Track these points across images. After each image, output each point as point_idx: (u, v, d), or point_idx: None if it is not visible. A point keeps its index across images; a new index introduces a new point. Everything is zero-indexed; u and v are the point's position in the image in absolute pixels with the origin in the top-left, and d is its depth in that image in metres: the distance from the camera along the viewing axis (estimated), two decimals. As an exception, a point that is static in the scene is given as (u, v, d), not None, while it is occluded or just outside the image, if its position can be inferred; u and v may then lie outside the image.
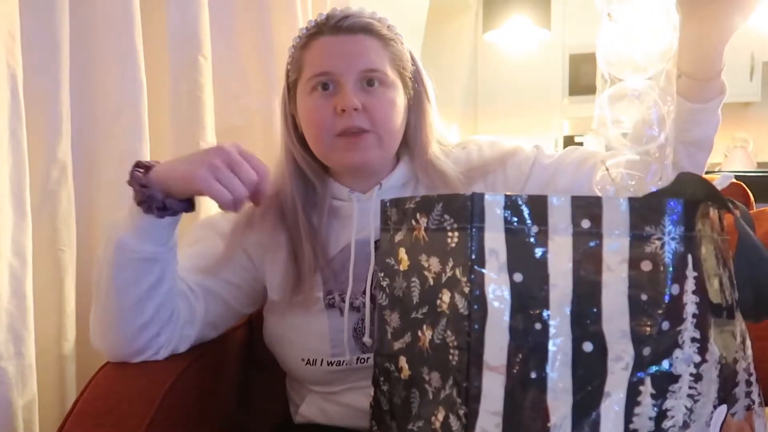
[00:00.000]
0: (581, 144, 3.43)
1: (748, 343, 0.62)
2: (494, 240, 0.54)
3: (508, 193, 0.55)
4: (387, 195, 0.84)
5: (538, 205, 0.55)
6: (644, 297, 0.53)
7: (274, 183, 0.87)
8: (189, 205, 0.75)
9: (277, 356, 0.92)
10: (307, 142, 0.88)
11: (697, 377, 0.53)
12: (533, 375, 0.52)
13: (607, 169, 0.62)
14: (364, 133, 0.83)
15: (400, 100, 0.87)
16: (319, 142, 0.85)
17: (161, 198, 0.72)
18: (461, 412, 0.54)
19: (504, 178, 0.89)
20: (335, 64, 0.82)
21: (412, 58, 0.90)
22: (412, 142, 0.89)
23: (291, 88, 0.89)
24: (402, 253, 0.62)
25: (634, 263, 0.53)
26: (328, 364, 0.85)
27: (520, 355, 0.53)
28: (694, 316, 0.54)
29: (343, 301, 0.85)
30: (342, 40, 0.84)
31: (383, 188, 0.88)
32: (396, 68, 0.87)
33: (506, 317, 0.53)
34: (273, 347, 0.92)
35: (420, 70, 0.91)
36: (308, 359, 0.86)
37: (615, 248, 0.54)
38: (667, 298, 0.53)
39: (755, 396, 0.61)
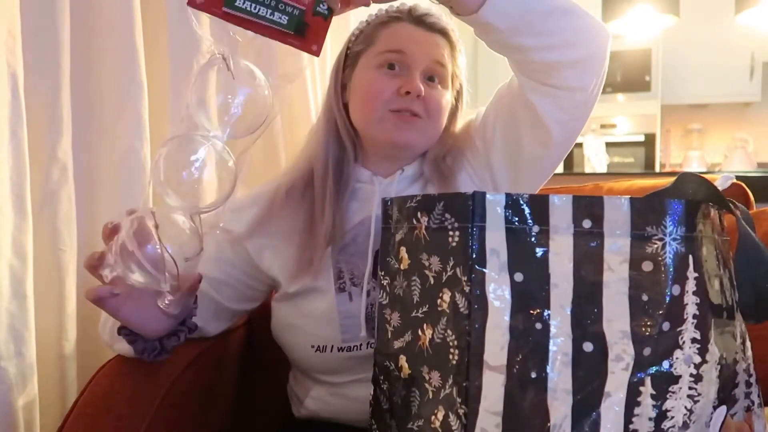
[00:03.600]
0: (581, 144, 3.44)
1: (748, 344, 0.62)
2: (495, 239, 0.54)
3: (509, 192, 0.55)
4: (404, 183, 0.89)
5: (540, 204, 0.55)
6: (645, 297, 0.53)
7: (304, 159, 0.91)
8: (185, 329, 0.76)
9: (285, 346, 0.92)
10: (349, 113, 0.90)
11: (697, 378, 0.53)
12: (533, 375, 0.52)
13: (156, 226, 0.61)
14: (416, 117, 0.85)
15: (448, 103, 0.90)
16: (371, 112, 0.86)
17: (158, 346, 0.74)
18: (461, 411, 0.54)
19: (473, 154, 0.91)
20: (411, 48, 0.86)
21: (463, 77, 0.94)
22: (441, 142, 0.91)
23: (352, 58, 0.91)
24: (403, 252, 0.62)
25: (634, 263, 0.53)
26: (339, 350, 0.85)
27: (521, 355, 0.53)
28: (694, 316, 0.54)
29: (354, 285, 0.85)
30: (420, 32, 0.87)
31: (405, 174, 0.90)
32: (453, 75, 0.91)
33: (507, 317, 0.53)
34: (281, 337, 0.92)
35: (464, 83, 0.94)
36: (318, 346, 0.86)
37: (616, 248, 0.54)
38: (667, 299, 0.53)
39: (755, 397, 0.61)
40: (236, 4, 0.61)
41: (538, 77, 0.77)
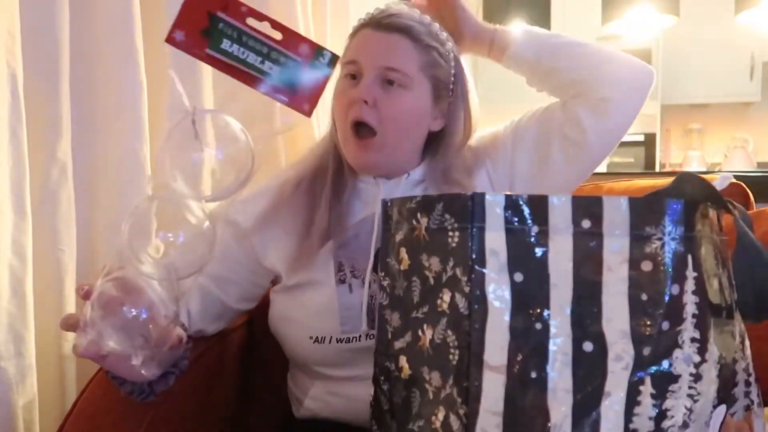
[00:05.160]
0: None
1: (747, 343, 0.62)
2: (495, 240, 0.54)
3: (508, 193, 0.55)
4: (409, 187, 0.89)
5: (539, 205, 0.55)
6: (644, 297, 0.53)
7: (317, 152, 0.93)
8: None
9: (282, 338, 0.92)
10: None
11: (697, 377, 0.53)
12: (533, 375, 0.52)
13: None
14: (370, 137, 0.84)
15: (420, 104, 0.87)
16: (340, 128, 0.87)
17: (146, 389, 0.72)
18: (461, 411, 0.54)
19: (493, 165, 0.92)
20: (362, 55, 0.86)
21: (457, 68, 0.91)
22: (436, 146, 0.91)
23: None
24: (403, 253, 0.62)
25: (634, 263, 0.53)
26: (338, 341, 0.85)
27: (521, 355, 0.53)
28: (693, 316, 0.54)
29: (354, 277, 0.86)
30: (378, 35, 0.86)
31: (410, 178, 0.90)
32: (427, 74, 0.86)
33: (507, 317, 0.53)
34: (279, 330, 0.92)
35: (463, 79, 0.92)
36: (316, 337, 0.86)
37: (615, 248, 0.54)
38: (667, 299, 0.53)
39: (754, 396, 0.61)
40: (222, 46, 0.54)
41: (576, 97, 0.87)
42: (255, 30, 0.54)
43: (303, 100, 0.56)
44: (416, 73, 0.85)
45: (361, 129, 0.84)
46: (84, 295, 0.61)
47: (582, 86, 0.87)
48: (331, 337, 0.85)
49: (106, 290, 0.59)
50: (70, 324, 0.63)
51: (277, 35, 0.55)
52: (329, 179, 0.89)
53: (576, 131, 0.87)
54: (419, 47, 0.86)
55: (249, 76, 0.55)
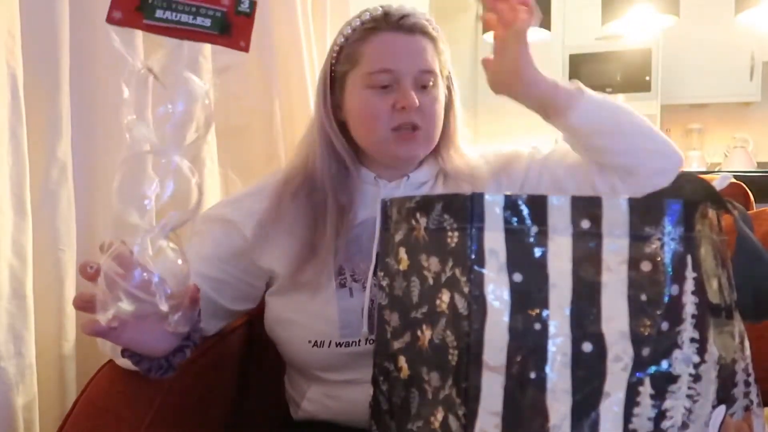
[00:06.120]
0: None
1: (747, 343, 0.62)
2: (494, 240, 0.54)
3: (508, 193, 0.55)
4: (411, 188, 0.90)
5: (538, 205, 0.55)
6: (644, 297, 0.53)
7: (303, 163, 0.91)
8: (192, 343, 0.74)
9: (280, 342, 0.91)
10: (343, 128, 0.90)
11: (696, 378, 0.53)
12: (533, 375, 0.52)
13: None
14: (416, 130, 0.86)
15: (442, 99, 0.90)
16: (372, 134, 0.87)
17: (164, 363, 0.72)
18: (460, 412, 0.54)
19: (509, 180, 0.92)
20: (397, 63, 0.85)
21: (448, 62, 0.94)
22: (442, 139, 0.92)
23: (339, 79, 0.90)
24: (402, 253, 0.62)
25: (633, 264, 0.53)
26: (337, 346, 0.85)
27: (520, 356, 0.53)
28: (693, 316, 0.54)
29: (355, 281, 0.85)
30: (403, 39, 0.86)
31: (410, 180, 0.91)
32: (441, 69, 0.90)
33: (506, 317, 0.53)
34: (276, 332, 0.91)
35: (451, 71, 0.94)
36: (315, 341, 0.85)
37: (615, 249, 0.54)
38: (666, 299, 0.53)
39: (753, 396, 0.61)
40: (156, 15, 0.61)
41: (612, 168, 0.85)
42: None
43: (238, 40, 0.64)
44: (438, 70, 0.88)
45: (404, 127, 0.85)
46: (93, 274, 0.61)
47: (630, 174, 0.84)
48: (330, 341, 0.85)
49: (119, 253, 0.60)
50: (85, 301, 0.62)
51: None
52: (329, 189, 0.87)
53: (607, 190, 0.86)
54: (435, 45, 0.89)
55: (187, 32, 0.62)
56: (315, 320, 0.86)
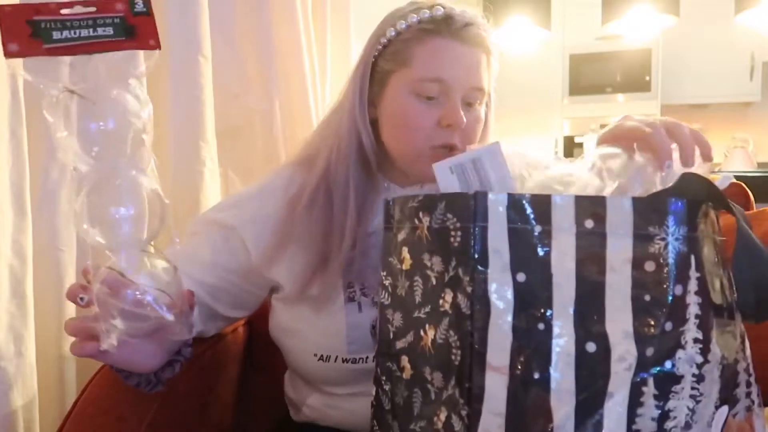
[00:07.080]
0: (581, 144, 3.44)
1: (747, 343, 0.61)
2: (497, 239, 0.54)
3: (510, 192, 0.55)
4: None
5: (542, 204, 0.54)
6: (647, 297, 0.53)
7: (324, 162, 0.84)
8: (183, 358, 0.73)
9: (284, 350, 0.89)
10: (376, 129, 0.85)
11: (700, 378, 0.53)
12: (536, 375, 0.52)
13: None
14: (452, 151, 0.80)
15: (483, 117, 0.85)
16: (408, 145, 0.82)
17: (153, 379, 0.71)
18: (463, 412, 0.53)
19: None
20: (451, 74, 0.79)
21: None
22: None
23: (381, 75, 0.83)
24: (404, 252, 0.62)
25: (637, 263, 0.53)
26: (344, 362, 0.82)
27: (523, 356, 0.52)
28: (696, 316, 0.53)
29: (364, 295, 0.82)
30: (462, 50, 0.80)
31: (423, 189, 0.85)
32: (490, 85, 0.86)
33: (509, 317, 0.53)
34: (281, 340, 0.88)
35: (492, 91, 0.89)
36: (321, 355, 0.83)
37: (618, 248, 0.53)
38: (670, 299, 0.53)
39: (755, 396, 0.61)
40: (54, 37, 0.59)
41: None
42: (73, 14, 0.60)
43: (146, 40, 0.62)
44: (486, 86, 0.84)
45: (442, 147, 0.80)
46: (85, 306, 0.59)
47: None
48: (337, 356, 0.82)
49: (106, 276, 0.58)
50: (78, 329, 0.60)
51: (92, 8, 0.61)
52: (351, 193, 0.82)
53: None
54: (489, 60, 0.84)
55: (93, 46, 0.61)
56: (321, 334, 0.83)
